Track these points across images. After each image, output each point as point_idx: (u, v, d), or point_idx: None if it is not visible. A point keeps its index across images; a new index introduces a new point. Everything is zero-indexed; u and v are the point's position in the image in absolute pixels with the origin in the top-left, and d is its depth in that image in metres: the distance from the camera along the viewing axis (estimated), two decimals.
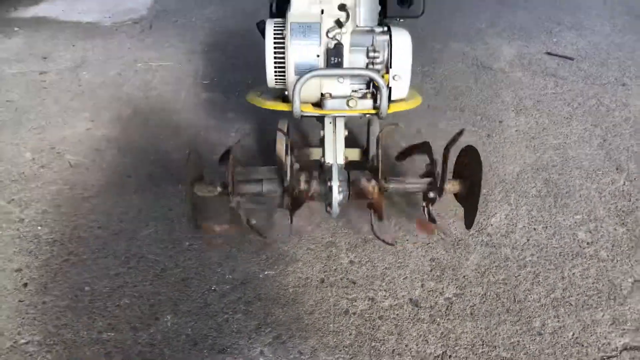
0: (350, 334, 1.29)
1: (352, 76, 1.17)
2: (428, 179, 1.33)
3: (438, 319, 1.33)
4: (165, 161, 1.85)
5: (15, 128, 2.02)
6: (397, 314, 1.34)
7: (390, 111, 1.20)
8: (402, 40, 1.17)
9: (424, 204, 1.37)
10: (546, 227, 1.59)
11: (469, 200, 1.36)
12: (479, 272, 1.45)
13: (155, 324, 1.32)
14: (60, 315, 1.33)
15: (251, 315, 1.33)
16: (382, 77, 1.18)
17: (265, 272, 1.44)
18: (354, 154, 1.62)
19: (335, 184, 1.26)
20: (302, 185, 1.29)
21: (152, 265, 1.47)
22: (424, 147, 1.41)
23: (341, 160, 1.28)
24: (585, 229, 1.58)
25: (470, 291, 1.40)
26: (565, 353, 1.25)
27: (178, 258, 1.49)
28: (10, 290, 1.39)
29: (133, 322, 1.32)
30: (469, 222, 1.38)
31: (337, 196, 1.26)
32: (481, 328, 1.31)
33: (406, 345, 1.27)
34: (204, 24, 2.86)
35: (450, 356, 1.25)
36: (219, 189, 1.31)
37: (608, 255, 1.50)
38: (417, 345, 1.27)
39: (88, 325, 1.31)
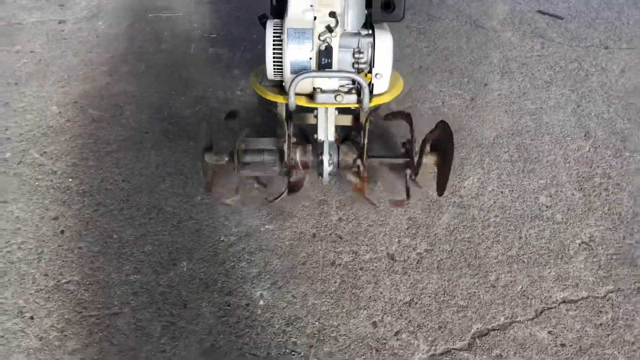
0: (335, 282, 1.53)
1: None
2: (405, 159, 1.51)
3: (409, 271, 1.56)
4: (177, 117, 2.03)
5: (41, 80, 2.18)
6: (376, 266, 1.57)
7: (372, 104, 1.37)
8: (384, 42, 1.32)
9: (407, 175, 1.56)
10: (512, 190, 1.79)
11: (442, 171, 1.56)
12: (448, 231, 1.67)
13: (173, 269, 1.56)
14: (94, 259, 1.57)
15: (253, 263, 1.57)
16: (366, 75, 1.35)
17: (266, 226, 1.67)
18: (347, 120, 1.80)
19: (326, 158, 1.46)
20: (299, 158, 1.48)
21: (169, 217, 1.69)
22: (406, 118, 1.59)
23: (331, 138, 1.46)
24: (547, 194, 1.78)
25: (439, 247, 1.62)
26: (512, 303, 1.49)
27: (192, 211, 1.71)
28: (50, 236, 1.63)
29: (155, 266, 1.56)
30: (440, 190, 1.58)
31: (327, 167, 1.47)
32: (445, 280, 1.54)
33: (381, 293, 1.51)
34: None
35: (416, 303, 1.49)
36: (226, 158, 1.50)
37: (563, 218, 1.71)
38: (389, 292, 1.51)
39: (117, 269, 1.55)
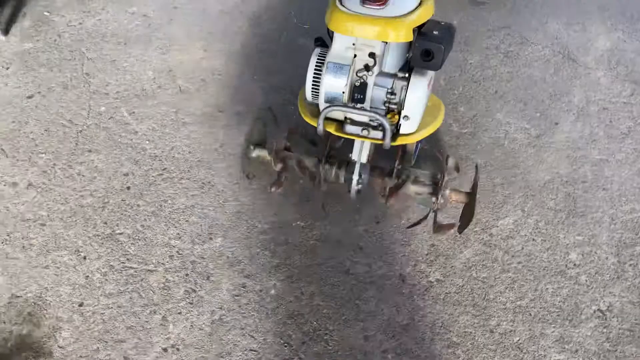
0: (343, 289, 1.62)
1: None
2: (431, 188, 1.54)
3: (415, 296, 1.61)
4: (252, 102, 2.16)
5: (145, 45, 2.40)
6: (385, 283, 1.63)
7: (395, 143, 1.40)
8: (417, 89, 1.34)
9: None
10: (545, 240, 1.75)
11: (465, 211, 1.57)
12: (466, 266, 1.68)
13: (208, 242, 1.72)
14: (147, 218, 1.77)
15: (276, 254, 1.69)
16: (394, 115, 1.39)
17: (298, 222, 1.77)
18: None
19: (355, 177, 1.53)
20: (332, 174, 1.56)
21: (219, 195, 1.85)
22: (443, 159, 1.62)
23: (364, 160, 1.52)
24: (580, 251, 1.72)
25: (451, 280, 1.64)
26: (504, 352, 1.50)
27: (239, 193, 1.85)
28: (117, 190, 1.84)
29: (194, 237, 1.73)
30: (460, 229, 1.59)
31: (354, 186, 1.54)
32: (446, 313, 1.57)
33: (382, 310, 1.57)
34: None
35: (412, 328, 1.54)
36: (269, 156, 1.62)
37: (587, 280, 1.65)
38: (390, 312, 1.57)
39: (163, 231, 1.74)
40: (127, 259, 1.66)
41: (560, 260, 1.70)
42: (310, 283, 1.63)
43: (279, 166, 1.63)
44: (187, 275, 1.64)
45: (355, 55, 1.36)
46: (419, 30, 1.33)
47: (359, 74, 1.35)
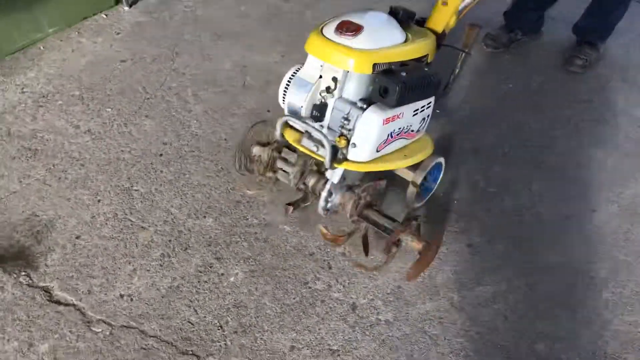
0: (294, 298, 1.65)
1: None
2: (396, 226, 1.52)
3: (357, 328, 1.59)
4: None
5: (235, 40, 2.62)
6: (334, 307, 1.63)
7: (340, 166, 1.45)
8: (369, 120, 1.37)
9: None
10: (517, 322, 1.61)
11: (420, 261, 1.52)
12: (421, 318, 1.61)
13: (200, 219, 1.85)
14: (162, 184, 1.95)
15: (252, 248, 1.77)
16: (341, 140, 1.41)
17: (284, 226, 1.83)
18: None
19: (324, 194, 1.56)
20: (310, 184, 1.62)
21: (229, 182, 1.97)
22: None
23: (335, 180, 1.55)
24: (550, 345, 1.56)
25: (399, 326, 1.59)
26: None
27: (247, 186, 1.96)
28: (152, 154, 2.05)
29: (191, 211, 1.87)
30: (409, 277, 1.54)
31: (322, 203, 1.57)
32: (380, 354, 1.53)
33: (319, 329, 1.58)
34: None
35: (339, 355, 1.53)
36: (259, 154, 1.72)
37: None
38: (326, 334, 1.57)
39: (169, 199, 1.91)
40: (130, 213, 1.85)
41: (523, 345, 1.57)
42: (267, 283, 1.68)
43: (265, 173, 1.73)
44: (169, 241, 1.78)
45: (320, 77, 1.43)
46: (389, 68, 1.35)
47: (321, 94, 1.42)
